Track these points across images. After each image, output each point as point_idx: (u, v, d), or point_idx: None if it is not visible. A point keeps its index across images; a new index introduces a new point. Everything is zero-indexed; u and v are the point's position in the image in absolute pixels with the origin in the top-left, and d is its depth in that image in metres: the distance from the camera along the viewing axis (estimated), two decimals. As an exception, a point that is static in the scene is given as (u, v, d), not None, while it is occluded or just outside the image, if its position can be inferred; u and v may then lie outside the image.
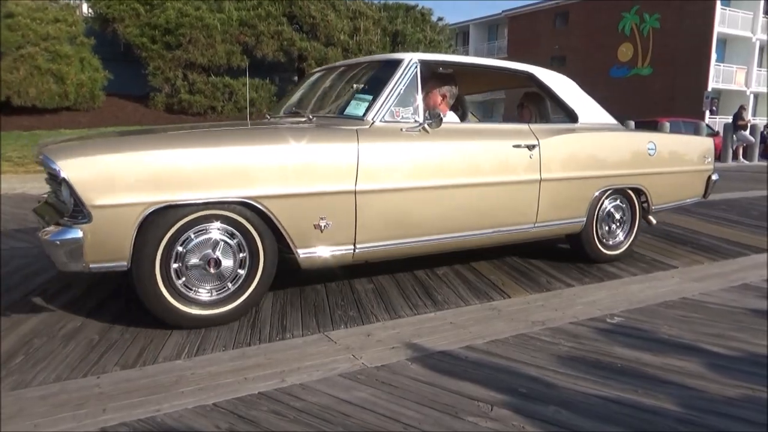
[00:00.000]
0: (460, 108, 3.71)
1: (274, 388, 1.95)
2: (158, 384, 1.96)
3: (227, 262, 2.50)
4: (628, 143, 3.80)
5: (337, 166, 2.61)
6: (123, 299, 2.81)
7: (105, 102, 11.23)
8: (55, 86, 9.94)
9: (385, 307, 2.81)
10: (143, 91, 12.61)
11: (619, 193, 3.77)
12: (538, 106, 3.87)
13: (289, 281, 3.14)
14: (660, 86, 29.38)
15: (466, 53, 41.39)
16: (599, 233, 3.70)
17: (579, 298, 3.02)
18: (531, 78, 3.64)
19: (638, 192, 3.84)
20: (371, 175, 2.69)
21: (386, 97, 2.87)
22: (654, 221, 4.05)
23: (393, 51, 14.96)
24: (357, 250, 2.74)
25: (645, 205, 3.90)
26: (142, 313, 2.53)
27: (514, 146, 3.18)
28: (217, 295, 2.50)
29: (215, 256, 2.45)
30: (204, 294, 2.48)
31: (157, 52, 12.31)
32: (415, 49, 14.87)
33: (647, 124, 15.60)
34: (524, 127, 3.38)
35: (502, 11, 40.46)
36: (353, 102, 2.98)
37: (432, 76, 3.32)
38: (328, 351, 2.28)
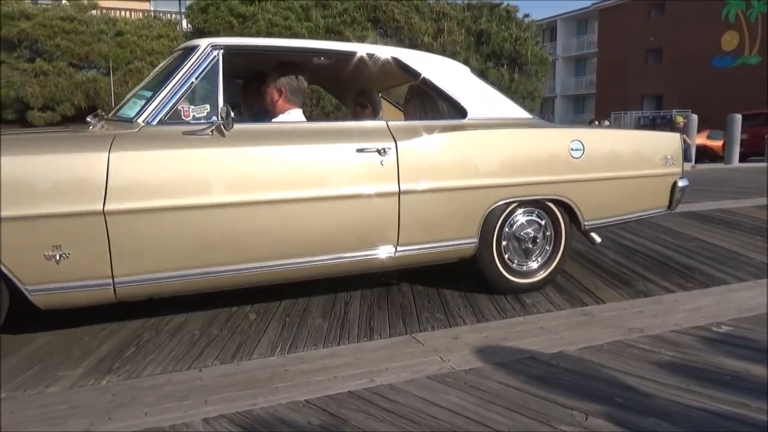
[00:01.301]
0: (368, 104, 3.37)
1: (363, 388, 1.98)
2: (254, 379, 2.06)
3: None
4: (541, 143, 2.98)
5: (74, 181, 2.11)
6: (219, 298, 2.97)
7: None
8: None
9: (472, 310, 2.79)
10: (237, 100, 13.24)
11: (535, 206, 2.99)
12: (423, 101, 3.20)
13: (375, 283, 3.19)
14: (771, 76, 27.04)
15: (554, 50, 40.15)
16: (505, 257, 2.96)
17: (681, 305, 2.84)
18: (396, 63, 2.94)
19: (563, 205, 3.03)
20: (129, 191, 2.17)
21: (167, 94, 2.39)
22: (597, 239, 3.25)
23: (477, 51, 14.80)
24: (118, 286, 2.23)
25: (575, 220, 3.08)
26: (240, 312, 2.66)
27: (359, 150, 2.56)
28: None
29: None
30: None
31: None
32: (501, 48, 14.63)
33: (756, 117, 14.42)
34: (379, 125, 2.75)
35: (592, 4, 38.93)
36: (132, 100, 2.58)
37: (272, 67, 2.86)
38: (416, 353, 2.29)
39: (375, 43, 14.32)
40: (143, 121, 2.34)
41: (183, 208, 2.27)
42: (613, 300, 2.94)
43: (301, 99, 2.88)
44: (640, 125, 28.11)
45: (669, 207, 3.39)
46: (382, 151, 2.60)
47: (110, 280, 2.21)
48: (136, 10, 14.47)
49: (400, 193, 2.64)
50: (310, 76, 3.07)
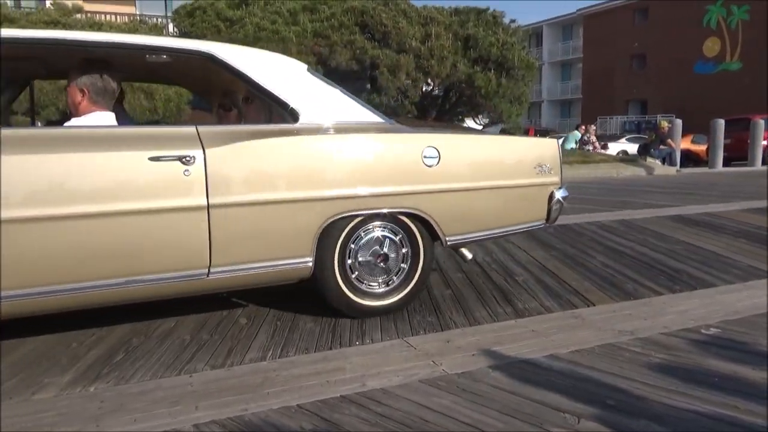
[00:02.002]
0: (233, 107, 3.12)
1: (356, 392, 1.97)
2: (245, 384, 2.04)
3: None
4: (386, 150, 2.68)
5: None
6: (210, 302, 2.94)
7: (190, 115, 11.87)
8: (145, 102, 10.61)
9: (464, 314, 2.79)
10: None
11: (386, 220, 2.71)
12: (263, 104, 2.87)
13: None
14: (751, 82, 27.51)
15: (540, 55, 40.51)
16: (351, 277, 2.67)
17: (670, 307, 2.86)
18: (212, 60, 2.55)
19: (418, 218, 2.74)
20: None
21: None
22: (468, 255, 3.04)
23: (465, 56, 14.88)
24: None
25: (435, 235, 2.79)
26: (230, 316, 2.65)
27: (152, 159, 2.23)
28: None
29: None
30: None
31: (237, 65, 12.88)
32: (488, 53, 14.72)
33: (738, 122, 14.63)
34: (187, 130, 2.39)
35: (577, 10, 39.36)
36: None
37: (73, 65, 2.53)
38: (408, 356, 2.28)
39: (363, 47, 14.37)
40: None
41: None
42: (602, 302, 2.96)
43: (109, 100, 2.55)
44: (625, 130, 28.42)
45: (547, 220, 3.07)
46: (186, 159, 2.28)
47: None
48: (121, 14, 14.37)
49: (209, 207, 2.31)
50: (133, 76, 2.95)
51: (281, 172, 2.45)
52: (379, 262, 2.72)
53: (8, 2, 11.47)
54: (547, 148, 3.11)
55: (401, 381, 2.05)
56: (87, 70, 2.51)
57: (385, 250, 2.73)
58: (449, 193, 2.76)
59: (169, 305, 2.74)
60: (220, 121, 3.27)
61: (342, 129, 2.64)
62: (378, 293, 2.75)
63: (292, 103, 2.60)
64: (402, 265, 2.78)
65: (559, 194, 3.05)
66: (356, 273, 2.69)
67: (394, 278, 2.77)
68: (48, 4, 12.20)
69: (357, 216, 2.62)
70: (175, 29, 13.48)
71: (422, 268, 2.80)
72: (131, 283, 2.25)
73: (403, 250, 2.77)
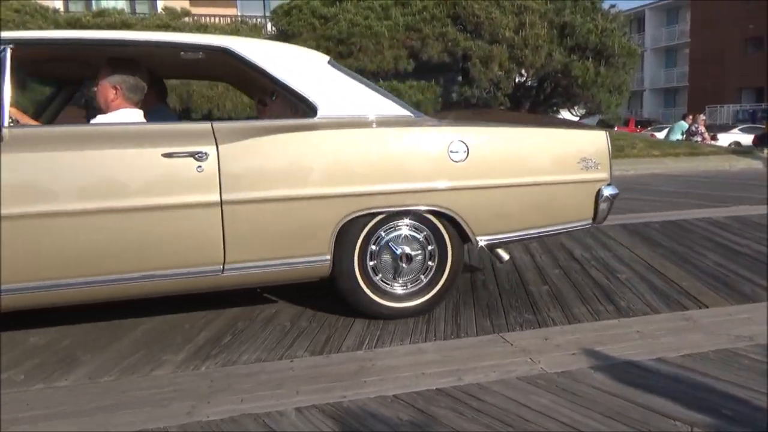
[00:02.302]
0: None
1: (452, 386, 1.97)
2: (343, 372, 2.09)
3: None
4: (408, 145, 2.56)
5: None
6: (312, 289, 3.04)
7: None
8: (246, 99, 11.13)
9: (563, 311, 2.70)
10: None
11: (411, 218, 2.59)
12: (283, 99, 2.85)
13: (460, 278, 3.16)
14: None
15: (642, 41, 38.20)
16: (375, 278, 2.58)
17: (794, 312, 2.62)
18: (228, 54, 2.54)
19: (444, 217, 2.60)
20: None
21: None
22: (505, 257, 2.82)
23: (561, 44, 14.34)
24: None
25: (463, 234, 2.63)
26: (328, 303, 2.73)
27: (165, 155, 2.26)
28: None
29: None
30: None
31: (331, 61, 13.19)
32: (585, 41, 14.10)
33: None
34: (202, 127, 2.43)
35: (685, -9, 36.68)
36: None
37: (104, 63, 2.60)
38: (504, 352, 2.25)
39: (455, 39, 14.23)
40: None
41: None
42: (716, 305, 2.75)
43: (139, 98, 2.64)
44: (738, 119, 26.21)
45: (594, 219, 2.81)
46: (199, 155, 2.29)
47: None
48: (224, 16, 15.14)
49: (222, 203, 2.31)
50: (160, 73, 3.06)
51: (294, 168, 2.40)
52: (402, 263, 2.59)
53: (125, 8, 12.46)
54: (593, 140, 2.82)
55: (498, 377, 2.02)
56: (118, 69, 2.58)
57: (409, 250, 2.60)
58: (479, 190, 2.60)
59: (270, 292, 2.87)
60: (259, 116, 3.30)
61: (361, 123, 2.56)
62: (401, 294, 2.63)
63: (311, 97, 2.54)
64: (429, 264, 2.65)
65: (607, 192, 2.78)
66: (379, 274, 2.60)
67: (422, 278, 2.65)
68: (159, 9, 13.09)
69: (377, 214, 2.52)
70: (273, 28, 14.01)
71: (450, 270, 2.66)
72: (146, 278, 2.30)
73: (429, 248, 2.64)
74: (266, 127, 2.48)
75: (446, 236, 2.63)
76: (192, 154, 2.29)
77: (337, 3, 13.59)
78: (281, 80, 2.54)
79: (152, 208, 2.25)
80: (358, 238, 2.53)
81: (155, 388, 1.99)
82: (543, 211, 2.74)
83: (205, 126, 2.42)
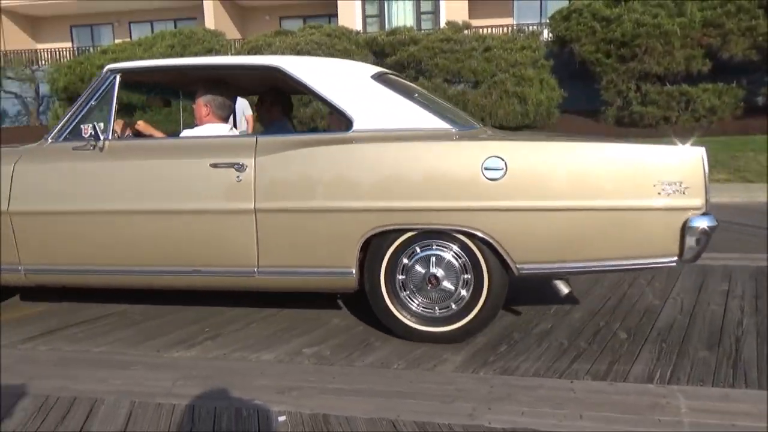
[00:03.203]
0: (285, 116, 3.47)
1: (774, 447, 1.64)
2: (632, 404, 1.92)
3: None
4: (440, 160, 2.36)
5: None
6: (588, 310, 2.88)
7: (559, 119, 11.98)
8: (518, 106, 11.17)
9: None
10: (594, 106, 12.89)
11: (443, 239, 2.42)
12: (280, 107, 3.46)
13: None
14: None
15: None
16: (401, 296, 2.49)
17: None
18: (279, 72, 2.69)
19: (480, 239, 2.35)
20: (24, 196, 2.67)
21: (71, 114, 2.76)
22: (564, 290, 2.47)
23: None
24: (25, 272, 2.76)
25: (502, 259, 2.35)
26: (607, 328, 2.54)
27: (212, 165, 2.51)
28: None
29: None
30: None
31: (611, 66, 12.36)
32: None
33: None
34: (248, 140, 2.61)
35: None
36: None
37: (199, 85, 3.01)
38: None
39: (766, 33, 12.06)
40: (51, 138, 2.77)
41: (66, 213, 2.66)
42: None
43: (226, 114, 3.02)
44: None
45: (681, 256, 2.28)
46: (239, 166, 2.49)
47: (20, 267, 2.75)
48: (501, 26, 15.43)
49: (256, 211, 2.48)
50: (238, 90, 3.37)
51: (321, 181, 2.44)
52: (431, 285, 2.46)
53: (414, 25, 13.60)
54: (679, 159, 2.27)
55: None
56: (209, 89, 2.98)
57: (437, 271, 2.45)
58: (517, 212, 2.32)
59: (542, 307, 2.80)
60: (260, 113, 3.65)
61: (393, 137, 2.47)
62: (432, 317, 2.49)
63: (347, 111, 2.57)
64: (462, 292, 2.45)
65: (698, 223, 2.23)
66: (406, 292, 2.51)
67: (454, 305, 2.46)
68: (443, 24, 13.95)
69: (406, 230, 2.44)
70: (550, 34, 13.77)
71: (486, 297, 2.43)
72: (199, 274, 2.60)
73: (465, 276, 2.44)
74: (303, 141, 2.57)
75: (482, 261, 2.42)
76: (233, 165, 2.51)
77: (623, 2, 12.70)
78: (322, 94, 2.63)
79: (201, 211, 2.54)
80: (384, 255, 2.48)
81: (438, 384, 2.10)
82: (601, 242, 2.32)
83: (251, 139, 2.63)
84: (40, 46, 19.22)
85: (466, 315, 2.46)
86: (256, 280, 2.58)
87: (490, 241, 2.36)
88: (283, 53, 11.47)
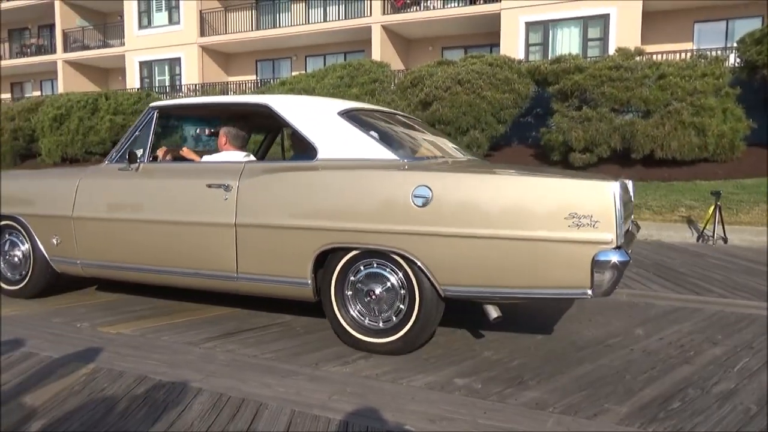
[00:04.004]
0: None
1: None
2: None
3: None
4: (375, 187, 2.66)
5: (61, 196, 3.50)
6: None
7: (744, 152, 10.69)
8: (695, 138, 10.16)
9: None
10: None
11: (383, 258, 2.69)
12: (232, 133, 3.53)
13: None
14: None
15: None
16: (350, 309, 2.79)
17: None
18: (267, 109, 3.16)
19: (407, 260, 2.60)
20: (84, 205, 3.42)
21: (123, 141, 3.45)
22: (494, 314, 2.59)
23: None
24: (81, 265, 3.50)
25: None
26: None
27: (209, 185, 3.04)
28: None
29: None
30: None
31: (813, 94, 10.81)
32: None
33: None
34: (238, 166, 3.09)
35: None
36: None
37: (222, 118, 3.75)
38: None
39: None
40: (107, 161, 3.50)
41: (109, 220, 3.34)
42: None
43: (241, 143, 3.51)
44: None
45: (591, 287, 2.32)
46: (226, 187, 2.98)
47: (77, 260, 3.50)
48: (679, 51, 14.26)
49: (236, 225, 2.94)
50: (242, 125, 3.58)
51: (286, 202, 2.84)
52: (372, 299, 2.74)
53: (579, 53, 13.05)
54: (589, 193, 2.35)
55: None
56: (226, 123, 3.52)
57: (377, 287, 2.73)
58: (439, 238, 2.52)
59: (726, 369, 2.49)
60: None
61: (345, 166, 2.80)
62: (374, 329, 2.75)
63: (314, 142, 2.95)
64: (401, 306, 2.70)
65: (608, 257, 2.28)
66: (354, 305, 2.80)
67: (393, 318, 2.72)
68: (612, 50, 13.25)
69: (350, 249, 2.74)
70: (738, 59, 12.43)
71: (418, 312, 2.64)
72: (198, 276, 3.11)
73: (402, 292, 2.69)
74: (281, 167, 3.01)
75: (414, 279, 2.63)
76: (222, 186, 3.00)
77: (832, 22, 11.08)
78: (296, 127, 3.04)
79: (197, 224, 3.05)
80: (334, 271, 2.79)
81: (600, 434, 1.95)
82: (516, 271, 2.44)
83: (240, 165, 3.08)
84: (230, 78, 21.70)
85: (403, 328, 2.67)
86: (237, 284, 3.03)
87: (416, 261, 2.58)
88: (444, 82, 11.69)
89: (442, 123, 11.59)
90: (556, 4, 15.52)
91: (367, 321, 2.77)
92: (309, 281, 2.81)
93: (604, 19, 15.33)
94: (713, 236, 6.36)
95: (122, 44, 22.83)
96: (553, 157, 11.19)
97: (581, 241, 2.33)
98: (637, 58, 11.48)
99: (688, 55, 13.38)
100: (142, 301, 3.75)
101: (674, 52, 14.24)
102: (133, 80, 22.29)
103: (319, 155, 2.91)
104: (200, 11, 20.91)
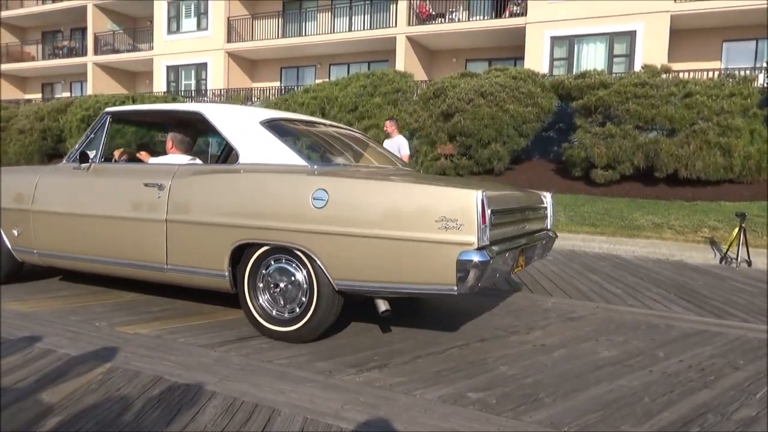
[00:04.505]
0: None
1: None
2: None
3: None
4: (282, 189, 2.98)
5: (21, 192, 3.86)
6: (805, 402, 2.43)
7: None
8: (721, 159, 9.99)
9: None
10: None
11: (288, 254, 3.00)
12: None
13: None
14: None
15: None
16: (260, 299, 3.09)
17: None
18: (200, 116, 3.48)
19: (306, 256, 2.90)
20: (41, 200, 3.76)
21: (79, 143, 3.78)
22: (382, 307, 2.89)
23: None
24: (37, 254, 3.83)
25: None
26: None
27: (145, 185, 3.32)
28: None
29: None
30: None
31: None
32: None
33: None
34: (172, 168, 3.38)
35: None
36: None
37: (170, 124, 4.00)
38: None
39: None
40: (65, 160, 3.84)
41: (60, 214, 3.67)
42: None
43: (186, 147, 3.74)
44: None
45: (457, 284, 2.59)
46: (160, 186, 3.26)
47: (34, 250, 3.83)
48: (706, 70, 14.08)
49: (167, 221, 3.22)
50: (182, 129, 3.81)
51: (208, 201, 3.14)
52: (279, 291, 3.02)
53: (604, 69, 12.95)
54: (456, 199, 2.63)
55: None
56: (172, 129, 3.77)
57: (280, 280, 3.01)
58: (333, 236, 2.79)
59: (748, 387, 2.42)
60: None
61: (259, 169, 3.11)
62: (280, 319, 3.02)
63: (236, 147, 3.28)
64: (303, 298, 2.96)
65: (469, 257, 2.54)
66: (264, 297, 3.08)
67: (297, 309, 2.98)
68: (638, 67, 13.13)
69: (261, 245, 3.02)
70: (766, 80, 12.24)
71: (317, 304, 2.90)
72: (132, 266, 3.40)
73: (305, 286, 2.95)
74: (209, 169, 3.33)
75: (313, 274, 2.90)
76: (156, 185, 3.28)
77: None
78: (222, 133, 3.36)
79: (134, 219, 3.35)
80: (247, 265, 3.07)
81: (616, 457, 1.91)
82: (395, 268, 2.71)
83: (174, 167, 3.36)
84: (255, 84, 21.96)
85: (304, 318, 2.94)
86: (166, 274, 3.32)
87: (314, 258, 2.85)
88: (466, 94, 11.68)
89: (464, 135, 11.58)
90: (583, 19, 15.44)
91: (275, 312, 3.05)
92: (226, 273, 3.10)
93: (631, 35, 15.22)
94: (737, 258, 6.24)
95: (151, 48, 23.26)
96: (575, 173, 11.09)
97: (447, 242, 2.61)
98: (664, 76, 11.37)
99: (716, 74, 13.21)
100: (159, 302, 3.79)
101: (702, 70, 14.07)
102: (160, 84, 22.66)
103: (240, 159, 3.25)
104: (228, 18, 21.22)
